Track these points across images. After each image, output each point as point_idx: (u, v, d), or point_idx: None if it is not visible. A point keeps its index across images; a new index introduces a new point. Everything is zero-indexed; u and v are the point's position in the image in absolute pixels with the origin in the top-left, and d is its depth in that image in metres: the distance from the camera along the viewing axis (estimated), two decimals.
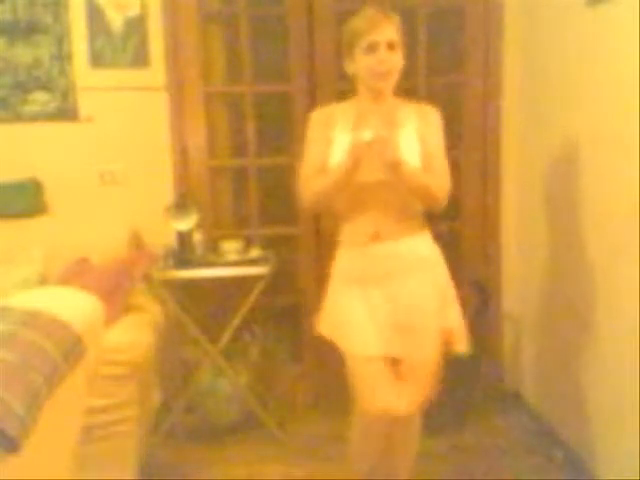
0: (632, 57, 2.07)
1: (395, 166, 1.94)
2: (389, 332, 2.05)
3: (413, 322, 2.05)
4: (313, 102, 3.05)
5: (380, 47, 1.99)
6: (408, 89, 3.16)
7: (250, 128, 3.20)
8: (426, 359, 2.07)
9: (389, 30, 2.01)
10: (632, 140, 2.09)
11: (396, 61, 2.03)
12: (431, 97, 3.18)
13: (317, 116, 2.17)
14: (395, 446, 2.19)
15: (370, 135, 1.90)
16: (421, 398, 2.09)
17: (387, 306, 2.06)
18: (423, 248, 2.14)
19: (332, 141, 2.07)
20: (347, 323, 2.09)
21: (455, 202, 3.30)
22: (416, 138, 2.06)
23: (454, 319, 2.13)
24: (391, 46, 2.00)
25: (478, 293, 3.07)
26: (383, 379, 2.05)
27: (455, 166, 3.26)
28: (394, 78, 2.07)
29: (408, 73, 3.20)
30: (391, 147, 1.92)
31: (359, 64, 2.04)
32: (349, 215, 2.12)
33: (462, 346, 2.13)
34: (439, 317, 2.08)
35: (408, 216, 2.10)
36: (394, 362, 2.08)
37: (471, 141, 3.23)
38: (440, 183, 2.07)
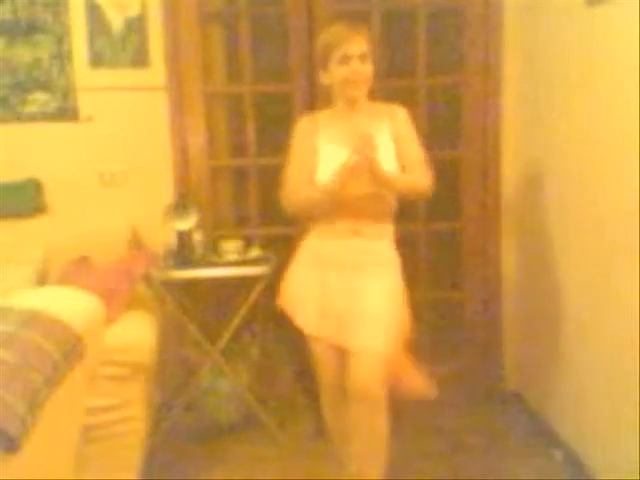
0: (632, 57, 2.07)
1: (383, 182, 2.15)
2: (333, 318, 2.20)
3: (360, 314, 2.16)
4: (313, 102, 3.05)
5: (353, 59, 2.16)
6: (408, 89, 3.19)
7: (250, 128, 3.20)
8: (368, 352, 2.13)
9: (360, 43, 2.18)
10: (632, 140, 2.09)
11: (368, 71, 2.22)
12: (431, 97, 3.20)
13: (302, 125, 2.33)
14: (360, 435, 2.23)
15: (355, 158, 2.07)
16: (372, 389, 2.13)
17: (341, 295, 2.20)
18: (389, 252, 2.29)
19: (317, 150, 2.25)
20: (301, 300, 2.28)
21: (455, 202, 3.32)
22: (392, 142, 2.24)
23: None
24: (363, 58, 2.18)
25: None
26: (331, 357, 2.25)
27: (455, 166, 3.30)
28: (367, 86, 2.24)
29: (408, 73, 3.25)
30: (377, 167, 2.10)
31: (334, 75, 2.21)
32: (329, 217, 2.25)
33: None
34: (396, 313, 2.20)
35: (383, 220, 2.28)
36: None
37: (471, 141, 3.22)
38: (423, 179, 2.26)
